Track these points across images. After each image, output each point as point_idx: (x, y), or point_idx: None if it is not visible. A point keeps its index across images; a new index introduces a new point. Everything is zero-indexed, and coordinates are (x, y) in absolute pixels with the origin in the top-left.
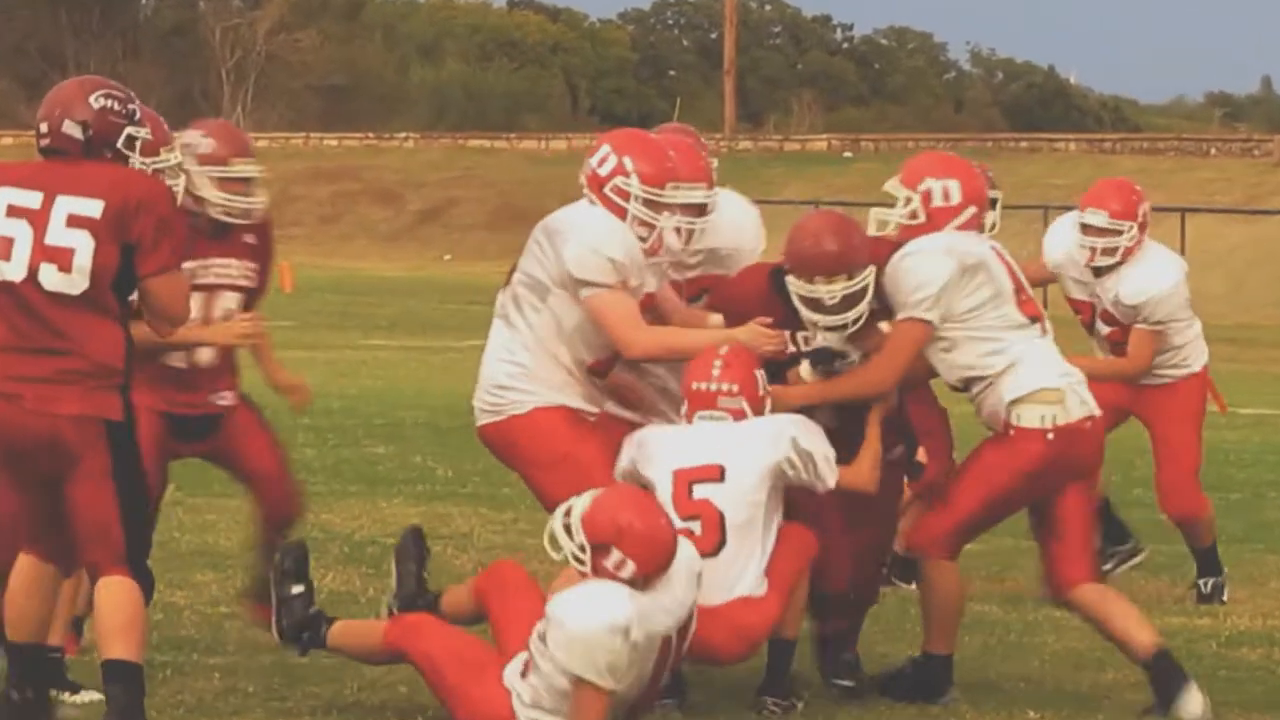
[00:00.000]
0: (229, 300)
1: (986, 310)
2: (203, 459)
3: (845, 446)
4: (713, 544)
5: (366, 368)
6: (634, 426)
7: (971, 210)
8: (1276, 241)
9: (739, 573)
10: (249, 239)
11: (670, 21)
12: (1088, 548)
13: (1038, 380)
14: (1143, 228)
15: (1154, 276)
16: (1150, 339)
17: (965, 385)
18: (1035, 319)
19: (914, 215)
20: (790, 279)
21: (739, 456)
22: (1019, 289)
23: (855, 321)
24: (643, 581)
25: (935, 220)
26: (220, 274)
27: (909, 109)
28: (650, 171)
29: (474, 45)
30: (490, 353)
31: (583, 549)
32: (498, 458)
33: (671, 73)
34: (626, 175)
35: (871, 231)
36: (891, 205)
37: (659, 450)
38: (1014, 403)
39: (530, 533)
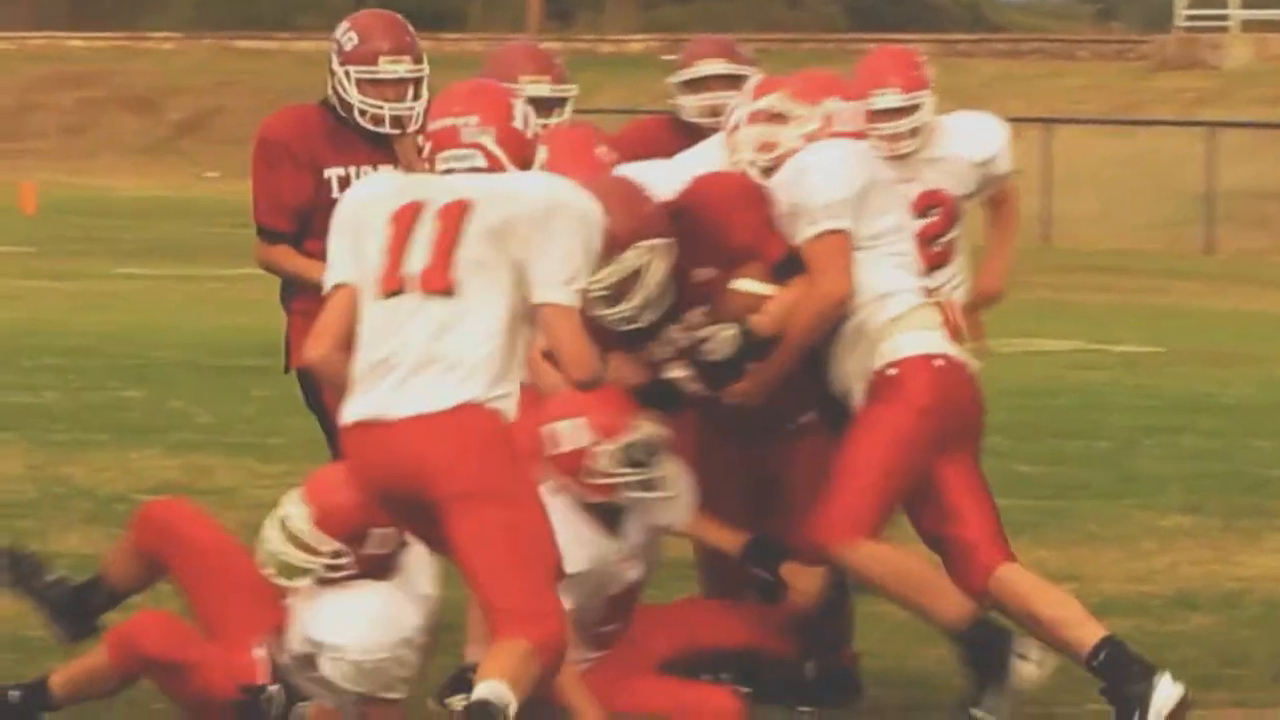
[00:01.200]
0: None
1: (888, 241)
2: None
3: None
4: None
5: (116, 300)
6: None
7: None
8: (1154, 156)
9: None
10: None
11: None
12: (997, 525)
13: (913, 300)
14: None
15: (985, 123)
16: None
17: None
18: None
19: (812, 138)
20: None
21: None
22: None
23: (644, 311)
24: (398, 553)
25: None
26: None
27: (737, 6)
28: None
29: None
30: None
31: (338, 554)
32: None
33: None
34: None
35: (747, 154)
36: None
37: None
38: (891, 324)
39: None
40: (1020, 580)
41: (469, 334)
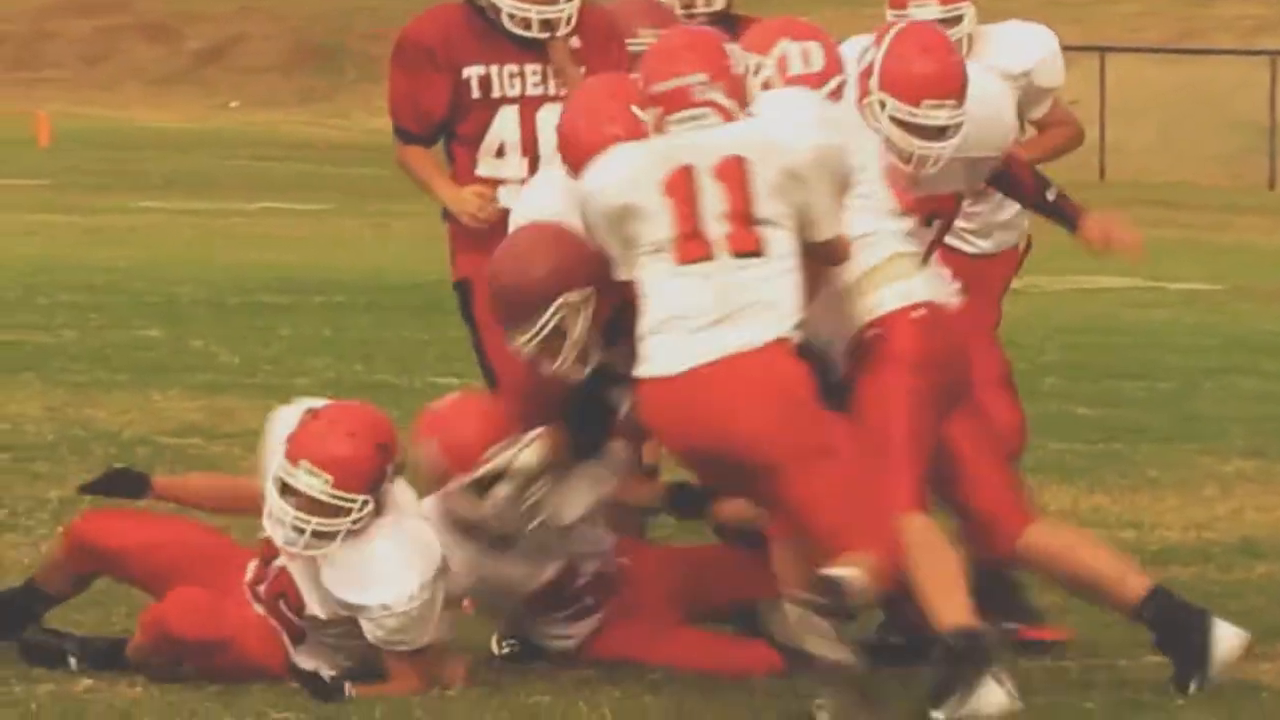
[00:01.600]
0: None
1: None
2: None
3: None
4: None
5: (136, 235)
6: None
7: (837, 80)
8: (1212, 85)
9: None
10: (574, 42)
11: None
12: (1011, 483)
13: (892, 246)
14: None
15: (1027, 32)
16: (1063, 106)
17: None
18: (908, 213)
19: (767, 86)
20: None
21: None
22: (892, 175)
23: (577, 364)
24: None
25: None
26: (535, 84)
27: None
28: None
29: None
30: None
31: (365, 503)
32: None
33: None
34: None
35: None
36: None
37: None
38: (868, 277)
39: None
40: (1049, 542)
41: (778, 281)
